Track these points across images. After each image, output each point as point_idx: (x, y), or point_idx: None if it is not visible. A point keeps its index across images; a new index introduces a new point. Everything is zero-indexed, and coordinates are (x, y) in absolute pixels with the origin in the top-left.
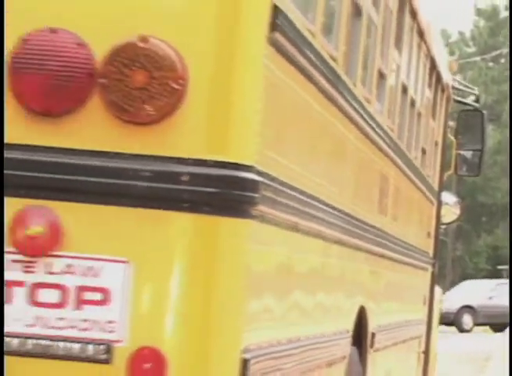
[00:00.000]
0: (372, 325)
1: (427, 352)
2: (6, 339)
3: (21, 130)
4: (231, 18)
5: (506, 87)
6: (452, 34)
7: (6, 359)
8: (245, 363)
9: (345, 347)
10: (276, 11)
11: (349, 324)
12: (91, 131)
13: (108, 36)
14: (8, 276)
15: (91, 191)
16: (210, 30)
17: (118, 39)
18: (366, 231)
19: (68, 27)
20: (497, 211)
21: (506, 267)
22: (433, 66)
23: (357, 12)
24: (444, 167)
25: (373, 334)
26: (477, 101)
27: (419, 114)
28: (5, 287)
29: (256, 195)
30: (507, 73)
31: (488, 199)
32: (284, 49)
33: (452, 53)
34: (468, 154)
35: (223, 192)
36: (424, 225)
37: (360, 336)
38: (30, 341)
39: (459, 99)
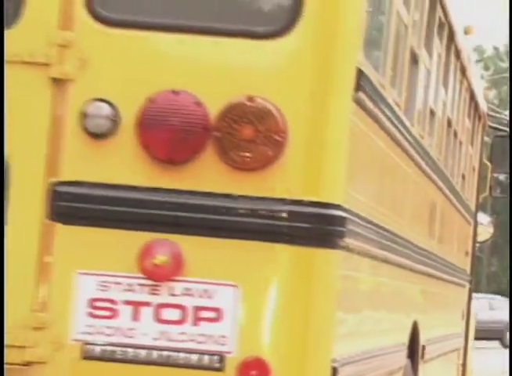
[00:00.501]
0: (423, 338)
1: (464, 365)
2: (136, 351)
3: (149, 175)
4: (324, 80)
5: None
6: (486, 49)
7: (134, 368)
8: (334, 371)
9: (402, 358)
10: (360, 74)
11: (405, 338)
12: (207, 176)
13: (221, 96)
14: (136, 297)
15: (207, 226)
16: (306, 90)
17: (229, 99)
18: (420, 254)
19: (187, 89)
20: None
21: None
22: (472, 97)
23: (415, 61)
24: (480, 189)
25: (424, 347)
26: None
27: (460, 143)
28: (129, 307)
29: (343, 229)
30: None
31: None
32: (364, 105)
33: (486, 68)
34: (502, 177)
35: (316, 227)
36: (463, 245)
37: (413, 348)
38: (155, 352)
39: (493, 125)
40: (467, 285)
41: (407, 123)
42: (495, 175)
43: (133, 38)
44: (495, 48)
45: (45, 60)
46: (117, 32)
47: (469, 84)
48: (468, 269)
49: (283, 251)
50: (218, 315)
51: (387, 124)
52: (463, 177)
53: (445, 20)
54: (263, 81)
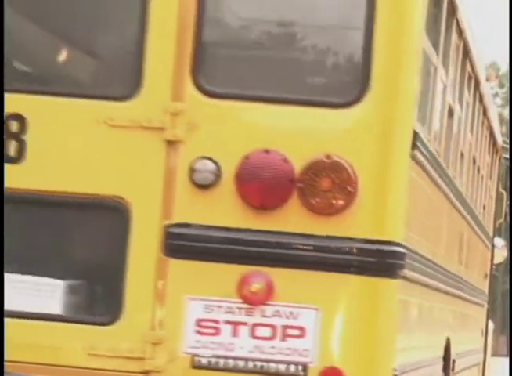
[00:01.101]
0: (453, 353)
1: None
2: (235, 361)
3: (245, 219)
4: (387, 141)
5: None
6: (501, 66)
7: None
8: None
9: (439, 370)
10: (415, 135)
11: (441, 352)
12: (292, 219)
13: (304, 154)
14: (235, 318)
15: (292, 260)
16: (372, 149)
17: (310, 156)
18: (453, 279)
19: (277, 148)
20: None
21: None
22: (491, 134)
23: (450, 113)
24: (496, 215)
25: (454, 360)
26: None
27: (482, 177)
28: (219, 325)
29: (403, 262)
30: None
31: None
32: (417, 159)
33: (501, 86)
34: None
35: (381, 261)
36: (483, 268)
37: (446, 362)
38: (251, 363)
39: (507, 156)
40: (486, 305)
41: (446, 169)
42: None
43: (232, 107)
44: (511, 66)
45: (160, 125)
46: (218, 102)
47: (489, 123)
48: (486, 290)
49: (354, 280)
50: (301, 332)
51: (433, 173)
52: (484, 207)
53: (473, 73)
54: (338, 142)
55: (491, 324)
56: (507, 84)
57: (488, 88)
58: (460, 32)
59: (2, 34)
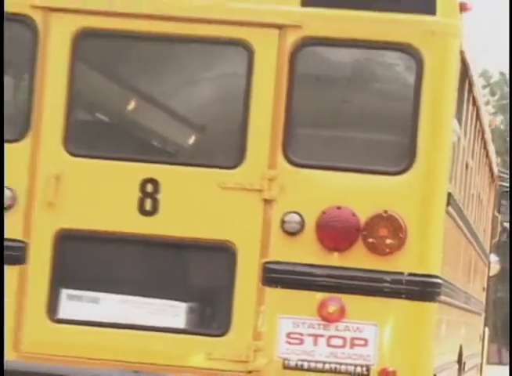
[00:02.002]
0: (464, 356)
1: None
2: (316, 364)
3: (323, 258)
4: (429, 200)
5: None
6: (493, 74)
7: (315, 374)
8: None
9: (456, 371)
10: (449, 195)
11: (456, 356)
12: (359, 258)
13: (367, 210)
14: (316, 332)
15: (359, 289)
16: (418, 206)
17: (372, 211)
18: (465, 297)
19: (346, 205)
20: None
21: None
22: (490, 168)
23: (467, 167)
24: (493, 235)
25: (464, 363)
26: None
27: (484, 207)
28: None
29: (439, 290)
30: None
31: None
32: (450, 213)
33: (493, 94)
34: (506, 224)
35: (424, 289)
36: (481, 282)
37: (459, 364)
38: (327, 365)
39: (502, 183)
40: (483, 314)
41: (464, 212)
42: (504, 224)
43: (311, 174)
44: (502, 74)
45: (259, 188)
46: (301, 170)
47: (489, 160)
48: (484, 300)
49: (404, 304)
50: (365, 342)
51: (457, 219)
52: (484, 230)
53: (481, 128)
54: (392, 201)
55: (486, 330)
56: (499, 92)
57: (489, 134)
58: (474, 102)
59: (2, 36)
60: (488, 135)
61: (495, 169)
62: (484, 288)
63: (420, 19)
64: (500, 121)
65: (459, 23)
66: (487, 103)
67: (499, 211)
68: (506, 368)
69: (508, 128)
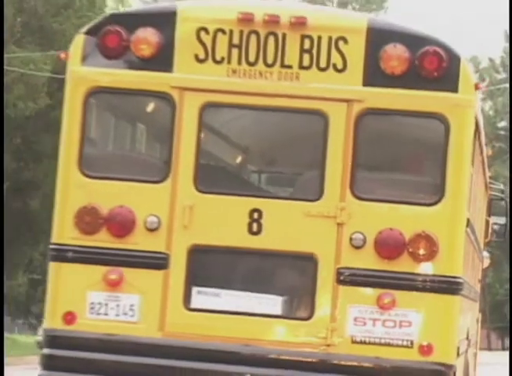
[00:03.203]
0: (469, 335)
1: (476, 354)
2: (375, 339)
3: (379, 264)
4: (455, 224)
5: None
6: (482, 60)
7: (374, 347)
8: (458, 348)
9: (465, 345)
10: (468, 220)
11: (465, 335)
12: (405, 265)
13: (410, 231)
14: (375, 316)
15: (407, 286)
16: (447, 228)
17: (414, 232)
18: (471, 290)
19: (396, 227)
20: None
21: None
22: (486, 185)
23: (475, 191)
24: (485, 236)
25: (470, 340)
26: (502, 192)
27: (481, 216)
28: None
29: (462, 287)
30: None
31: None
32: (467, 232)
33: (482, 79)
34: (497, 227)
35: (451, 286)
36: (477, 274)
37: (468, 340)
38: (383, 340)
39: (492, 193)
40: (478, 301)
41: (474, 225)
42: (494, 226)
43: (372, 205)
44: (491, 60)
45: (334, 215)
46: (364, 203)
47: (486, 179)
48: (479, 290)
49: (437, 297)
50: (409, 324)
51: (470, 235)
52: (480, 233)
53: (482, 160)
54: (428, 224)
55: (480, 315)
56: (488, 78)
57: (486, 160)
58: (480, 144)
59: (2, 36)
60: (486, 162)
61: (488, 179)
62: (479, 280)
63: (447, 96)
64: (489, 107)
65: (474, 98)
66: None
67: (489, 215)
68: (495, 354)
69: (496, 115)
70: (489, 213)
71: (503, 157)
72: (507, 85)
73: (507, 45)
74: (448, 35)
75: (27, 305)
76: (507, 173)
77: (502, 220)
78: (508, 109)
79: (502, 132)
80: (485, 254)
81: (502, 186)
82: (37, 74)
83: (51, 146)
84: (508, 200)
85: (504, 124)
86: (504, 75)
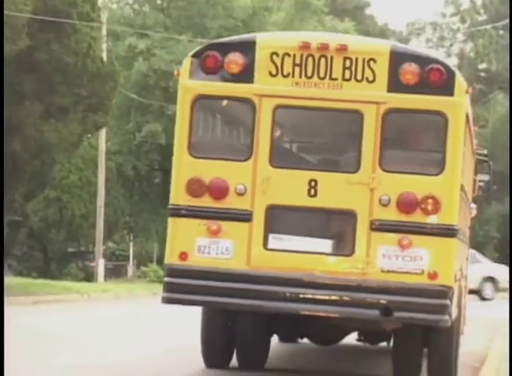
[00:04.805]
0: (462, 267)
1: (466, 286)
2: (397, 269)
3: (400, 217)
4: (452, 188)
5: None
6: (463, 1)
7: (396, 274)
8: (455, 275)
9: (459, 274)
10: (462, 186)
11: (459, 266)
12: (419, 218)
13: (422, 193)
14: (396, 253)
15: (419, 232)
16: (447, 192)
17: (424, 194)
18: (464, 234)
19: (412, 191)
20: (508, 179)
21: None
22: (473, 151)
23: (466, 165)
24: (473, 191)
25: (462, 270)
26: (486, 156)
27: (470, 175)
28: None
29: (458, 232)
30: None
31: (499, 166)
32: (461, 194)
33: (463, 21)
34: (482, 184)
35: (450, 231)
36: (468, 222)
37: (460, 270)
38: (403, 269)
39: (478, 156)
40: (468, 243)
41: (465, 188)
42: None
43: (395, 176)
44: (472, 1)
45: (367, 183)
46: (389, 174)
47: (473, 149)
48: (468, 234)
49: (440, 239)
50: (421, 258)
51: (463, 195)
52: (469, 188)
53: (470, 138)
54: (434, 188)
55: (470, 251)
56: (469, 20)
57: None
58: (469, 130)
59: (2, 35)
60: (474, 137)
61: (475, 149)
62: (469, 228)
63: (446, 99)
64: (470, 48)
65: (465, 99)
66: (457, 30)
67: (475, 174)
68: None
69: (477, 56)
70: (476, 172)
71: (483, 99)
72: (488, 27)
73: None
74: None
75: (7, 247)
76: (487, 115)
77: (487, 177)
78: (488, 50)
79: (482, 74)
80: (473, 205)
81: (485, 152)
82: (17, 15)
83: (32, 87)
84: (491, 163)
85: (484, 66)
86: (485, 17)
